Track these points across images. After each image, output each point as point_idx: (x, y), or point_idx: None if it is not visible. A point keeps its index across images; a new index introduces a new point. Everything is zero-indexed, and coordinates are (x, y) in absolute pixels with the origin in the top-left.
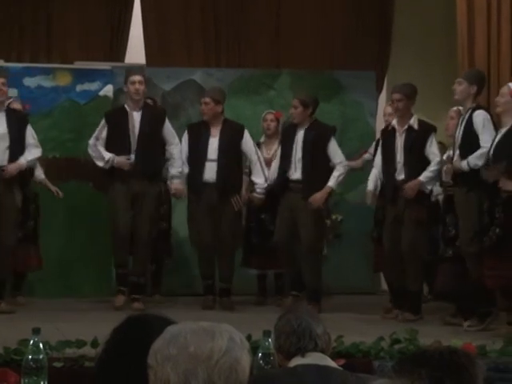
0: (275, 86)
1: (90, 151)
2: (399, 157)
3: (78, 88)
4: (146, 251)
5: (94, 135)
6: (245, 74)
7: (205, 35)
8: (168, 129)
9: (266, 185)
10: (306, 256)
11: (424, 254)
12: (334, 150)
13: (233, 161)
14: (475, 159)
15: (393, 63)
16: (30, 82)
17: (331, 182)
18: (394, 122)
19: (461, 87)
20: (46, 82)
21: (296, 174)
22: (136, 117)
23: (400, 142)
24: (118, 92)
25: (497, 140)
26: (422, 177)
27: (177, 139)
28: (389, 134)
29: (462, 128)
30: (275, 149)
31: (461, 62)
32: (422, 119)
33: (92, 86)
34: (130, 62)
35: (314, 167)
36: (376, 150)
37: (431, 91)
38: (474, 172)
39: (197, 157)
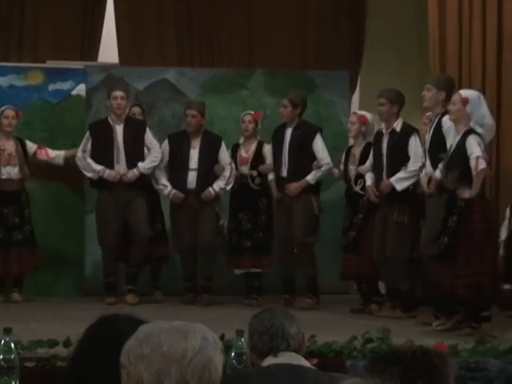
0: (248, 86)
1: (79, 163)
2: (385, 159)
3: (51, 87)
4: (142, 247)
5: (81, 148)
6: (218, 74)
7: (178, 34)
8: (149, 139)
9: (224, 188)
10: (300, 250)
11: (407, 254)
12: (319, 149)
13: (211, 169)
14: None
15: (366, 63)
16: (1, 81)
17: (309, 176)
18: (383, 126)
19: (429, 93)
20: (18, 82)
21: (284, 171)
22: (119, 130)
23: (385, 144)
24: (90, 91)
25: (452, 149)
26: (393, 177)
27: (157, 146)
28: (378, 137)
29: (431, 133)
30: (253, 149)
31: (432, 63)
32: (406, 122)
33: (64, 86)
34: (102, 61)
35: (299, 165)
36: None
37: (404, 91)
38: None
39: (179, 166)
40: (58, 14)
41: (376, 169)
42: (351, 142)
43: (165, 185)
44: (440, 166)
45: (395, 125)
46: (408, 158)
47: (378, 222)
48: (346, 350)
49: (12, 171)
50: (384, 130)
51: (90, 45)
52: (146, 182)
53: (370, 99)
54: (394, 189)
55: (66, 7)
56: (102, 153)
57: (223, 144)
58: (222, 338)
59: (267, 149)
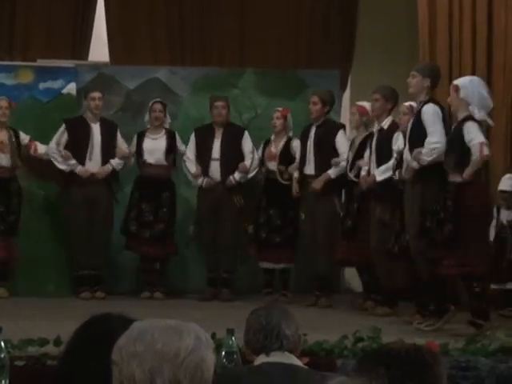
0: (239, 85)
1: (53, 154)
2: (374, 157)
3: (41, 86)
4: (102, 249)
5: (55, 140)
6: (209, 73)
7: (169, 33)
8: (119, 137)
9: (245, 176)
10: (320, 248)
11: (387, 249)
12: (340, 145)
13: (234, 160)
14: (423, 155)
15: (357, 62)
16: None
17: (330, 171)
18: (376, 124)
19: (414, 80)
20: (9, 80)
21: (309, 168)
22: (95, 128)
23: (374, 142)
24: (81, 90)
25: (450, 135)
26: (376, 171)
27: (125, 144)
28: (371, 134)
29: (412, 121)
30: (282, 144)
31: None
32: (395, 121)
33: (55, 84)
34: (93, 60)
35: (323, 162)
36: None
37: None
38: (421, 167)
39: (204, 157)
40: (49, 13)
41: (369, 166)
42: (354, 133)
43: (197, 174)
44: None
45: (383, 123)
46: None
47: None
48: (336, 349)
49: (3, 159)
50: (374, 129)
51: (80, 43)
52: (115, 180)
53: (361, 98)
54: (379, 186)
55: (57, 6)
56: (77, 149)
57: (246, 134)
58: (213, 336)
59: (295, 144)
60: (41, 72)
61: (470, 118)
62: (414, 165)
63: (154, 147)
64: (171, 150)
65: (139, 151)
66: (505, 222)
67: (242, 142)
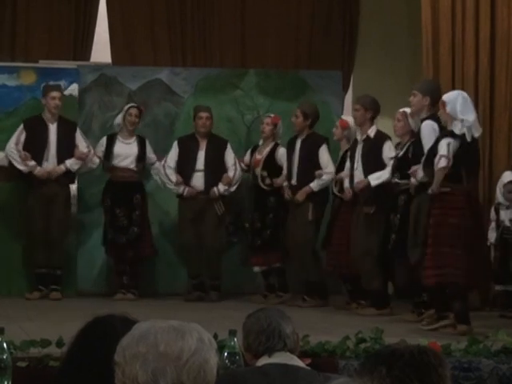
0: (241, 86)
1: (12, 154)
2: (356, 164)
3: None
4: (59, 249)
5: (14, 140)
6: (211, 74)
7: (171, 34)
8: (79, 138)
9: (228, 189)
10: (300, 253)
11: (377, 248)
12: (324, 159)
13: (217, 171)
14: (420, 171)
15: (359, 63)
16: None
17: (313, 183)
18: (358, 133)
19: (415, 99)
20: (11, 81)
21: (294, 180)
22: (52, 128)
23: (359, 150)
24: (83, 91)
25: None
26: (371, 177)
27: (85, 145)
28: (354, 143)
29: (415, 138)
30: (267, 151)
31: (425, 64)
32: (380, 130)
33: None
34: (95, 60)
35: (306, 175)
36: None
37: (396, 91)
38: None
39: (187, 167)
40: (51, 14)
41: (351, 174)
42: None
43: (179, 183)
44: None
45: (369, 131)
46: (382, 164)
47: (354, 217)
48: (338, 350)
49: None
50: (359, 138)
51: (82, 44)
52: (70, 180)
53: None
54: (374, 191)
55: (59, 7)
56: (34, 148)
57: (229, 146)
58: (215, 337)
59: (281, 152)
60: (43, 73)
61: (446, 134)
62: (413, 182)
63: (125, 152)
64: (142, 157)
65: (108, 154)
66: (507, 222)
67: (225, 154)
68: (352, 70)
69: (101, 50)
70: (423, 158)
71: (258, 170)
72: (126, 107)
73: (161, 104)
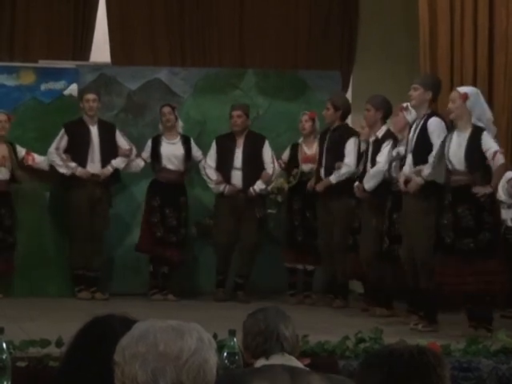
0: (241, 86)
1: (53, 158)
2: (368, 165)
3: (43, 87)
4: (101, 250)
5: (54, 145)
6: (210, 73)
7: (170, 34)
8: (120, 139)
9: (265, 188)
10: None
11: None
12: (348, 152)
13: (255, 168)
14: (427, 170)
15: (358, 63)
16: None
17: (332, 176)
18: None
19: (416, 93)
20: (10, 81)
21: (322, 172)
22: (93, 130)
23: (370, 151)
24: (82, 91)
25: (454, 146)
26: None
27: (127, 143)
28: (367, 144)
29: (416, 134)
30: (316, 146)
31: (423, 64)
32: (389, 129)
33: (57, 85)
34: (94, 60)
35: (333, 167)
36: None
37: (396, 91)
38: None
39: (225, 165)
40: (50, 14)
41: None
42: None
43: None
44: (425, 166)
45: (378, 133)
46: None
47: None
48: (338, 350)
49: (2, 172)
50: (370, 139)
51: (82, 44)
52: (116, 181)
53: (363, 99)
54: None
55: (58, 7)
56: (78, 151)
57: (267, 143)
58: (214, 337)
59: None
60: (42, 73)
61: (482, 129)
62: (419, 180)
63: (172, 153)
64: (189, 156)
65: (156, 156)
66: (509, 222)
67: (263, 151)
68: (351, 69)
69: (100, 50)
70: (432, 156)
71: (312, 167)
72: (159, 108)
73: (160, 104)
